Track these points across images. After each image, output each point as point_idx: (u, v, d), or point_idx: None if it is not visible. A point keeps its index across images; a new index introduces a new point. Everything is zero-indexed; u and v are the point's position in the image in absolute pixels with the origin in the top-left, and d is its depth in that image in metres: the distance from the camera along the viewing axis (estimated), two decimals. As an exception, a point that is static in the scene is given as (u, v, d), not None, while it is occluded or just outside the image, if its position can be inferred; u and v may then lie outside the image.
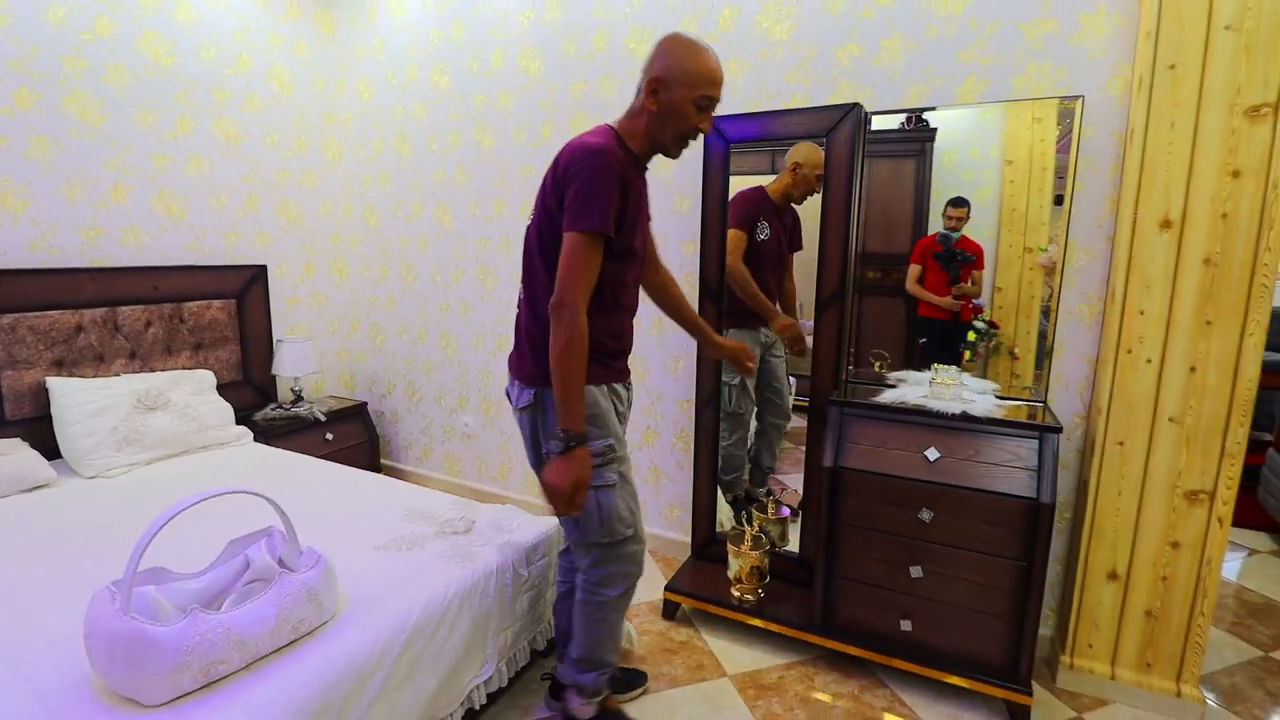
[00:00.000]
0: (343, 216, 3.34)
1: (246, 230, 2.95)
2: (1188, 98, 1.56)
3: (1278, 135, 1.50)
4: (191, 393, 2.52)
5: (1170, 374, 1.66)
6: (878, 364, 2.08)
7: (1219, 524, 1.66)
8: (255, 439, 2.65)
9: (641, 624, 2.14)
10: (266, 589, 1.27)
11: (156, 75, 2.57)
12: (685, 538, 2.52)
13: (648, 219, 1.52)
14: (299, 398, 3.04)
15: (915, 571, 1.75)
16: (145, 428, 2.31)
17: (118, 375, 2.44)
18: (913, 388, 1.94)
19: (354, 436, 3.11)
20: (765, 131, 2.02)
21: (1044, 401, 1.87)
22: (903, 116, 2.00)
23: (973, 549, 1.69)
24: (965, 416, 1.72)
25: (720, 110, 2.25)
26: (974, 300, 1.99)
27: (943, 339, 2.04)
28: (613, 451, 1.43)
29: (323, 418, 2.96)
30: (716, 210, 2.11)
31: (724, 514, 2.35)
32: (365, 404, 3.21)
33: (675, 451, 2.57)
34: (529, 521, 1.86)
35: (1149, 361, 1.68)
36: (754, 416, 2.33)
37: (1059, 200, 1.83)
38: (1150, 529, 1.73)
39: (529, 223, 1.45)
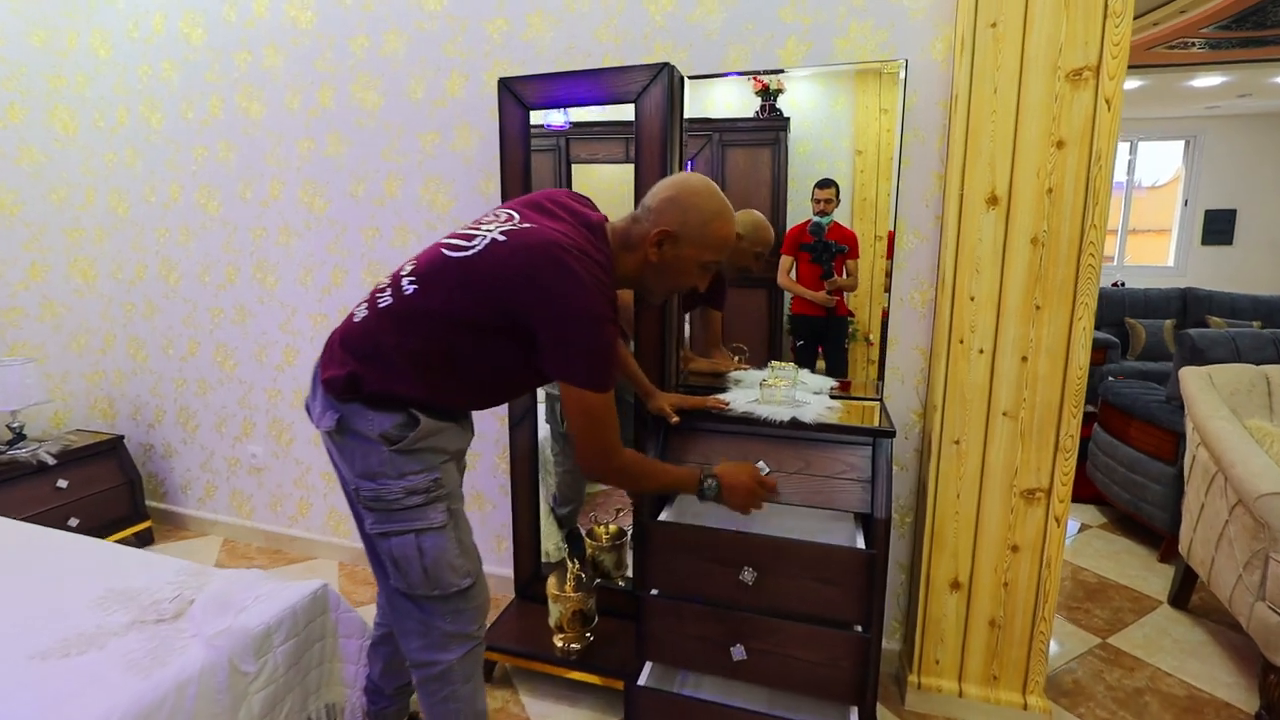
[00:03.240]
0: (84, 204, 2.66)
1: (-76, 221, 2.24)
2: (1010, 59, 1.42)
3: (1099, 102, 1.38)
4: None
5: (1002, 365, 1.53)
6: (737, 358, 1.86)
7: (1056, 523, 1.55)
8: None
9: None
10: None
11: None
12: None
13: None
14: (20, 436, 2.37)
15: (746, 576, 1.50)
16: None
17: None
18: (746, 390, 1.70)
19: (104, 480, 2.48)
20: (568, 95, 1.70)
21: (880, 399, 1.70)
22: (757, 104, 1.78)
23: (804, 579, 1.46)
24: (794, 424, 1.49)
25: (523, 70, 1.93)
26: (847, 293, 1.80)
27: (818, 338, 1.86)
28: (440, 487, 1.19)
29: (51, 460, 2.31)
30: (518, 187, 1.77)
31: (554, 543, 2.03)
32: (121, 438, 2.58)
33: (499, 475, 2.21)
34: (274, 592, 1.43)
35: (981, 352, 1.54)
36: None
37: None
38: (990, 532, 1.60)
39: (448, 257, 1.13)
